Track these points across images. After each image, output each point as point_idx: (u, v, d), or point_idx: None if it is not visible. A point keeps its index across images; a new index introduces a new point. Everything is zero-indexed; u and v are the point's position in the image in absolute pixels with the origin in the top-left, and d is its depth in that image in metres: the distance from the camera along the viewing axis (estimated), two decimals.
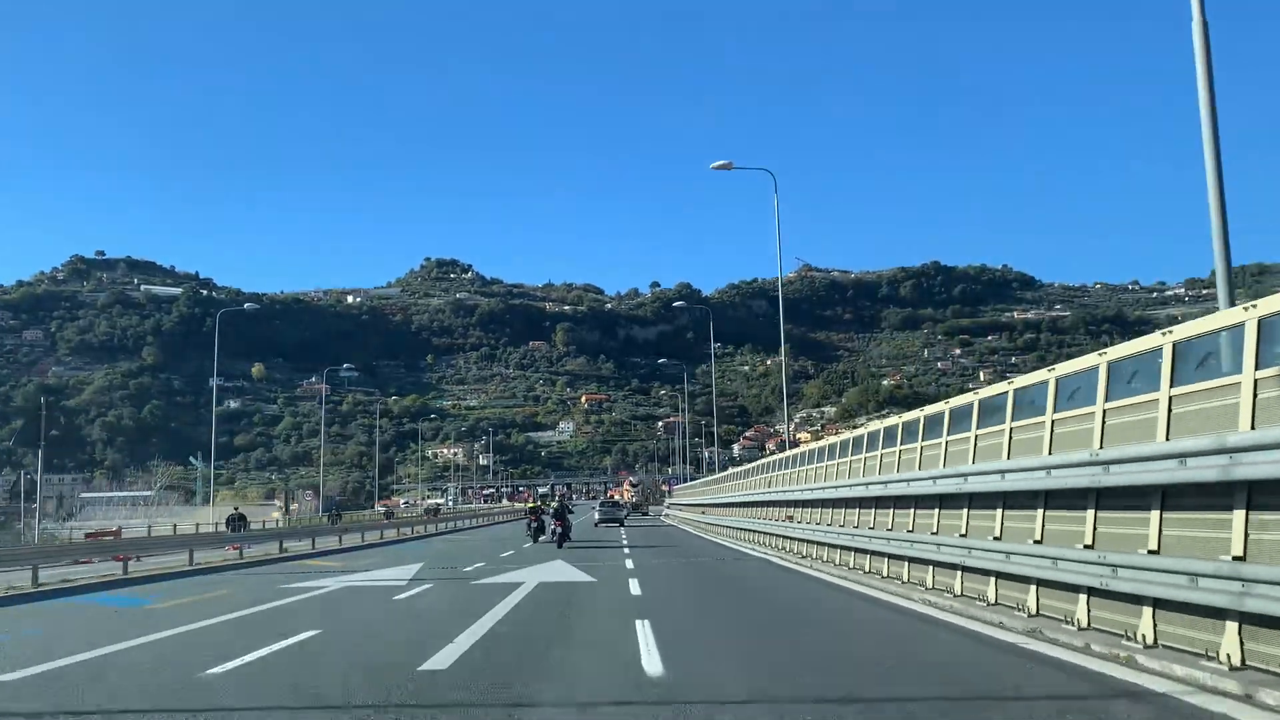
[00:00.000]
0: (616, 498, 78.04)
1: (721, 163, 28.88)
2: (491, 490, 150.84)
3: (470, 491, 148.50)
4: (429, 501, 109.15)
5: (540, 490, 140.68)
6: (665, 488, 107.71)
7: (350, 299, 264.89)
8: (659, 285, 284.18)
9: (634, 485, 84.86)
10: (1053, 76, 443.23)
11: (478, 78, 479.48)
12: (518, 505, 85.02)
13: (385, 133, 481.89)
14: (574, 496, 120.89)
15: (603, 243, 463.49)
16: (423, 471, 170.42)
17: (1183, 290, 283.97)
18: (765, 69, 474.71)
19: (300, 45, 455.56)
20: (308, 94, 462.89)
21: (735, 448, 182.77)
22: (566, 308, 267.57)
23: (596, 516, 49.98)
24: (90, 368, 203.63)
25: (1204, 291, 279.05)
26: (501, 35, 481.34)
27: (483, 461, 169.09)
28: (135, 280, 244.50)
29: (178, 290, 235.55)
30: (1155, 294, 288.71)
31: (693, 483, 56.97)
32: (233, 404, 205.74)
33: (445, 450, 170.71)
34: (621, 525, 48.49)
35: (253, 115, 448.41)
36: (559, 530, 28.13)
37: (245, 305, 67.45)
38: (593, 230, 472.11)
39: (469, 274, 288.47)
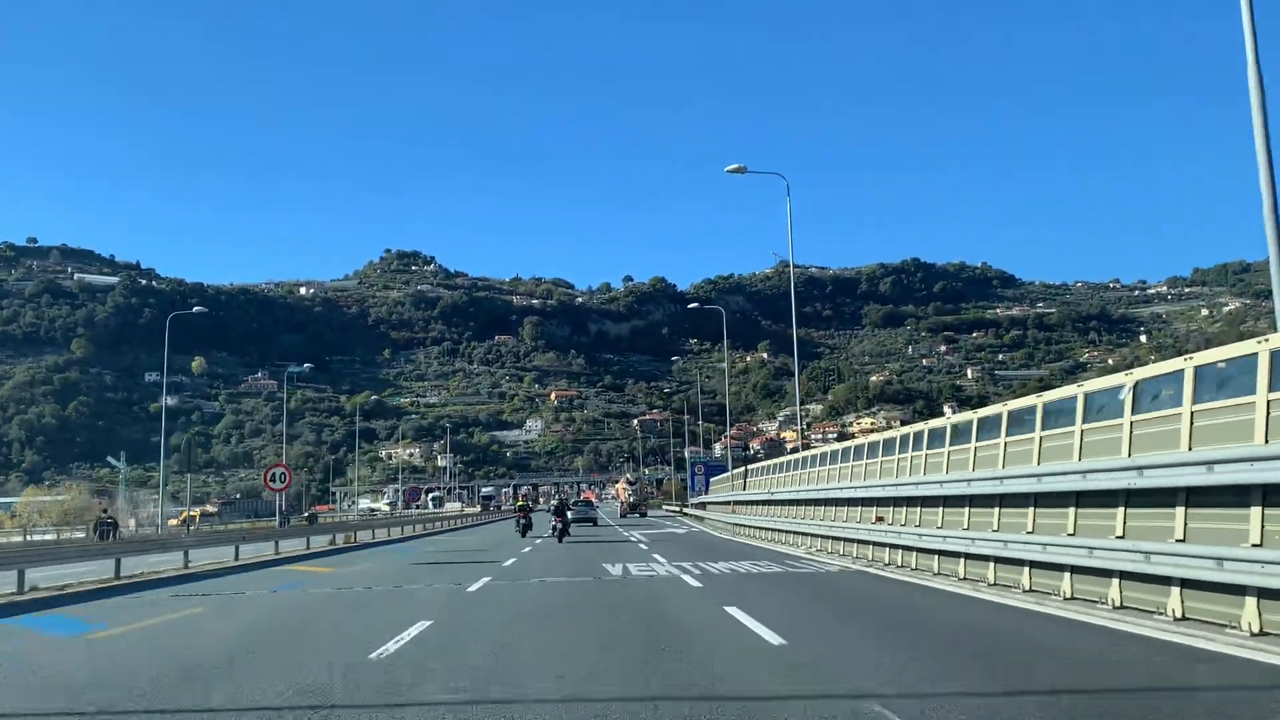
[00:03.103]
0: (590, 498, 71.77)
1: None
2: (435, 490, 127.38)
3: (409, 494, 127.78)
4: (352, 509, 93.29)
5: (484, 490, 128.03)
6: (650, 491, 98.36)
7: (303, 290, 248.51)
8: (632, 279, 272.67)
9: (630, 483, 74.58)
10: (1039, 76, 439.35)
11: (443, 70, 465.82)
12: (468, 510, 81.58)
13: (346, 125, 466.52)
14: (540, 500, 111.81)
15: (573, 236, 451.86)
16: (375, 474, 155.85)
17: (1165, 289, 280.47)
18: (741, 65, 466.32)
19: (253, 34, 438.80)
20: (263, 84, 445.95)
21: (717, 447, 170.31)
22: (535, 301, 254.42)
23: (569, 516, 46.76)
24: (12, 361, 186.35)
25: (1186, 290, 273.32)
26: (467, 27, 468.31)
27: (441, 463, 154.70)
28: (69, 269, 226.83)
29: (114, 279, 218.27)
30: (1138, 292, 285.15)
31: (767, 463, 31.59)
32: (170, 401, 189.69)
33: (400, 450, 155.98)
34: (595, 524, 49.19)
35: (206, 104, 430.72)
36: (559, 526, 30.63)
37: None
38: (563, 224, 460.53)
39: (431, 266, 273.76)
